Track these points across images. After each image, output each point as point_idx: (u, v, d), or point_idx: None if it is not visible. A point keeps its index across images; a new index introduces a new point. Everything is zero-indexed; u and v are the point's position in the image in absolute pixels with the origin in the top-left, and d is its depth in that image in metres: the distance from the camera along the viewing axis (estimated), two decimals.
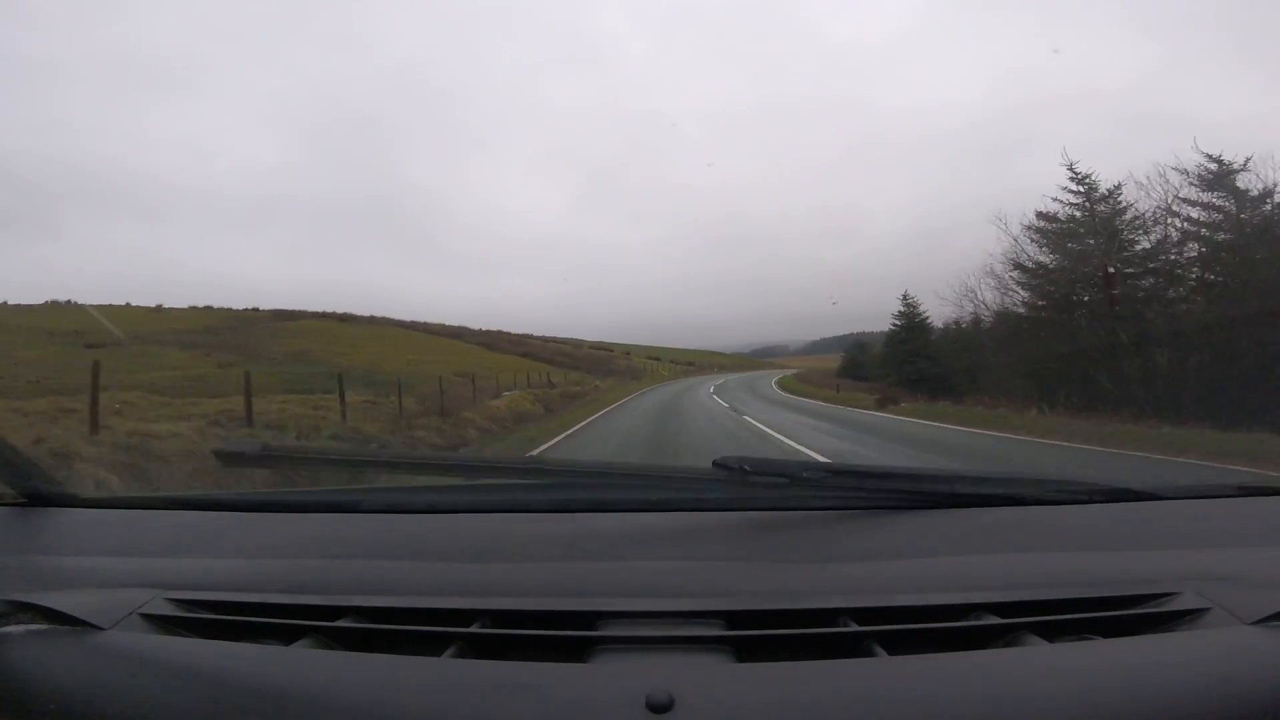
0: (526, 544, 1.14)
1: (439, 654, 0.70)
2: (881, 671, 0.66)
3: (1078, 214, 17.95)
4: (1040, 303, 18.32)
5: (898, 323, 27.43)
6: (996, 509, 1.32)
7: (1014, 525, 1.22)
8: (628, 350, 57.29)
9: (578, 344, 54.80)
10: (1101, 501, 1.37)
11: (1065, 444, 10.21)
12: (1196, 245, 16.20)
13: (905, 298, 31.00)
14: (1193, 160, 16.47)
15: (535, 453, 9.90)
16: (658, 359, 52.96)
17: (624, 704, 0.58)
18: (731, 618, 0.76)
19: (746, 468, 1.20)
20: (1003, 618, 0.76)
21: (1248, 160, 16.03)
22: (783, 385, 41.20)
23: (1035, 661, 0.68)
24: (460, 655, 0.71)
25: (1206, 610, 0.76)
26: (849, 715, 0.59)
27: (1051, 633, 0.74)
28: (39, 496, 1.31)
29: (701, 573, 0.95)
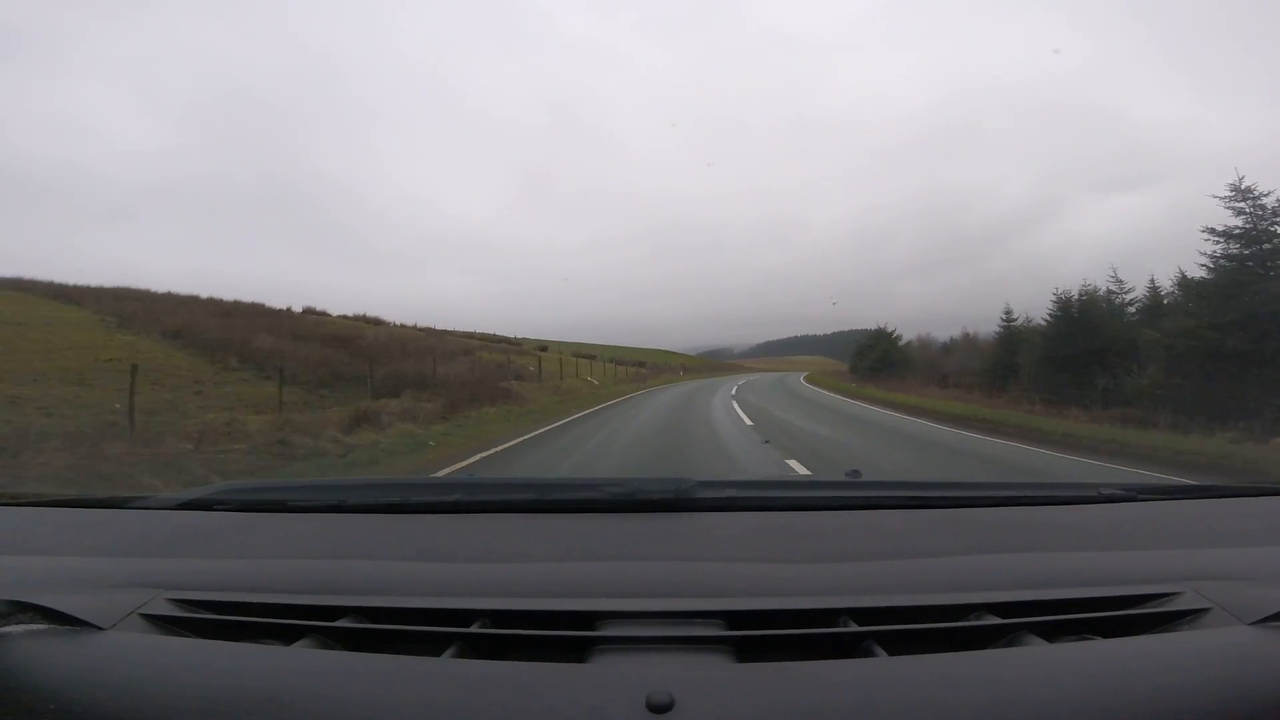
0: (526, 544, 1.14)
1: (439, 654, 0.70)
2: (881, 672, 0.66)
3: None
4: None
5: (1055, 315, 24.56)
6: (996, 509, 1.32)
7: (1013, 525, 1.22)
8: (543, 345, 41.91)
9: (510, 340, 41.10)
10: (1101, 502, 1.37)
11: None
12: None
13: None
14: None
15: None
16: (591, 356, 37.48)
17: (624, 704, 0.58)
18: (731, 618, 0.76)
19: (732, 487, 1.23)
20: (1003, 618, 0.76)
21: None
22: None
23: (1035, 661, 0.68)
24: (460, 655, 0.70)
25: (1206, 610, 0.76)
26: (849, 715, 0.59)
27: (1051, 633, 0.74)
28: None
29: (701, 573, 0.95)
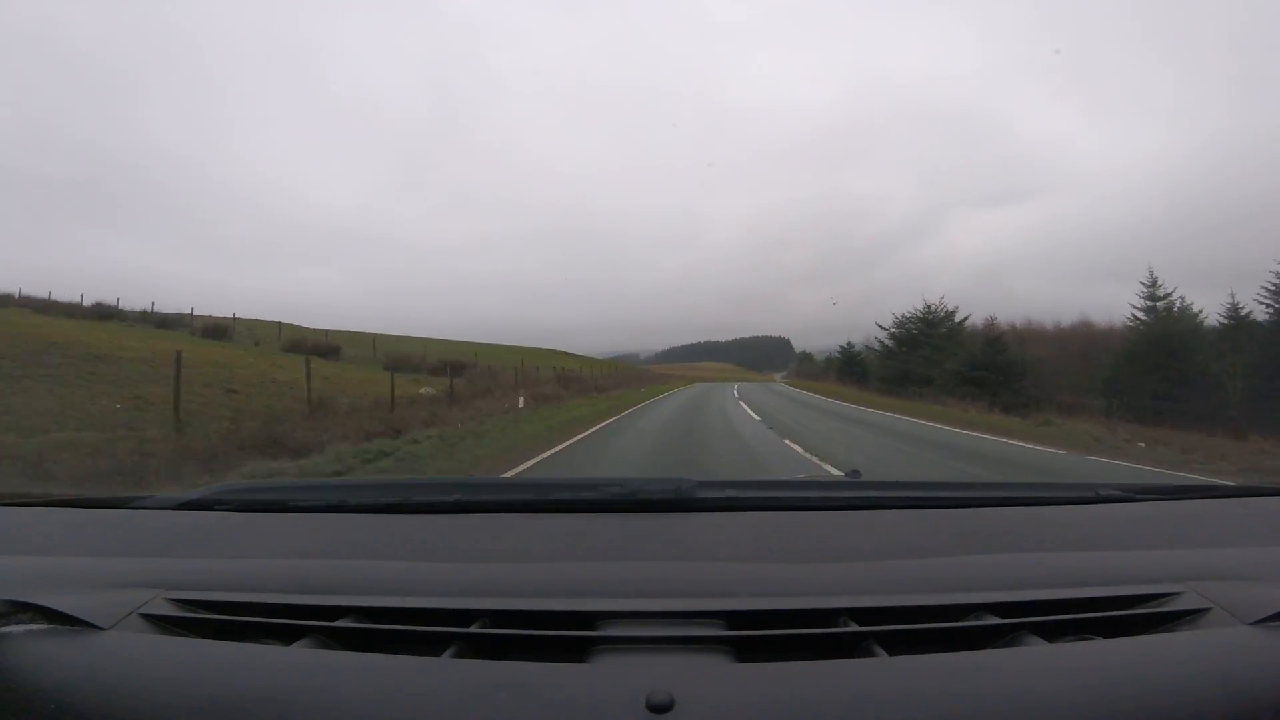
0: (526, 544, 1.14)
1: (439, 654, 0.70)
2: (881, 672, 0.66)
3: None
4: None
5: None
6: (996, 510, 1.32)
7: (1013, 526, 1.22)
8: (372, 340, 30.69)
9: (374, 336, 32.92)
10: (1101, 502, 1.37)
11: None
12: None
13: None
14: None
15: None
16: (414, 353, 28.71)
17: (624, 704, 0.58)
18: (731, 618, 0.76)
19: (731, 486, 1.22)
20: (1003, 618, 0.76)
21: None
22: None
23: (1035, 661, 0.68)
24: (460, 655, 0.70)
25: (1206, 610, 0.76)
26: (849, 715, 0.59)
27: (1052, 633, 0.74)
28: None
29: (701, 573, 0.95)
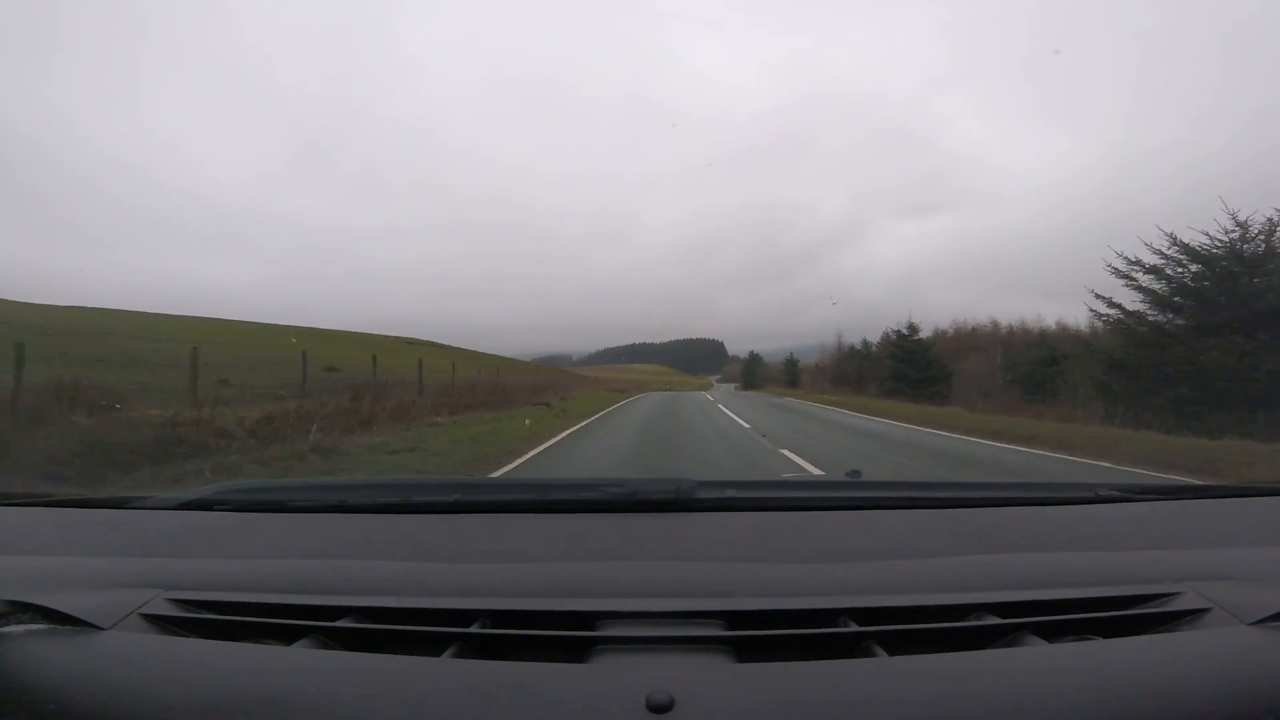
0: (526, 544, 1.14)
1: (439, 654, 0.70)
2: (881, 672, 0.66)
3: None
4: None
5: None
6: (996, 509, 1.32)
7: (1013, 526, 1.22)
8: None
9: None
10: (1101, 502, 1.37)
11: None
12: None
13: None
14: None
15: None
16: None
17: (624, 704, 0.58)
18: (731, 618, 0.76)
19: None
20: (1003, 618, 0.76)
21: None
22: None
23: (1035, 661, 0.68)
24: (460, 655, 0.70)
25: (1206, 610, 0.76)
26: (849, 716, 0.59)
27: (1052, 633, 0.74)
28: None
29: (701, 573, 0.95)
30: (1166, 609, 0.78)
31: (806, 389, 50.08)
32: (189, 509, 1.31)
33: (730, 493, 1.36)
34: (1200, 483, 1.61)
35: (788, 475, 6.46)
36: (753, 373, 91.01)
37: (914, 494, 1.44)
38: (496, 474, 7.27)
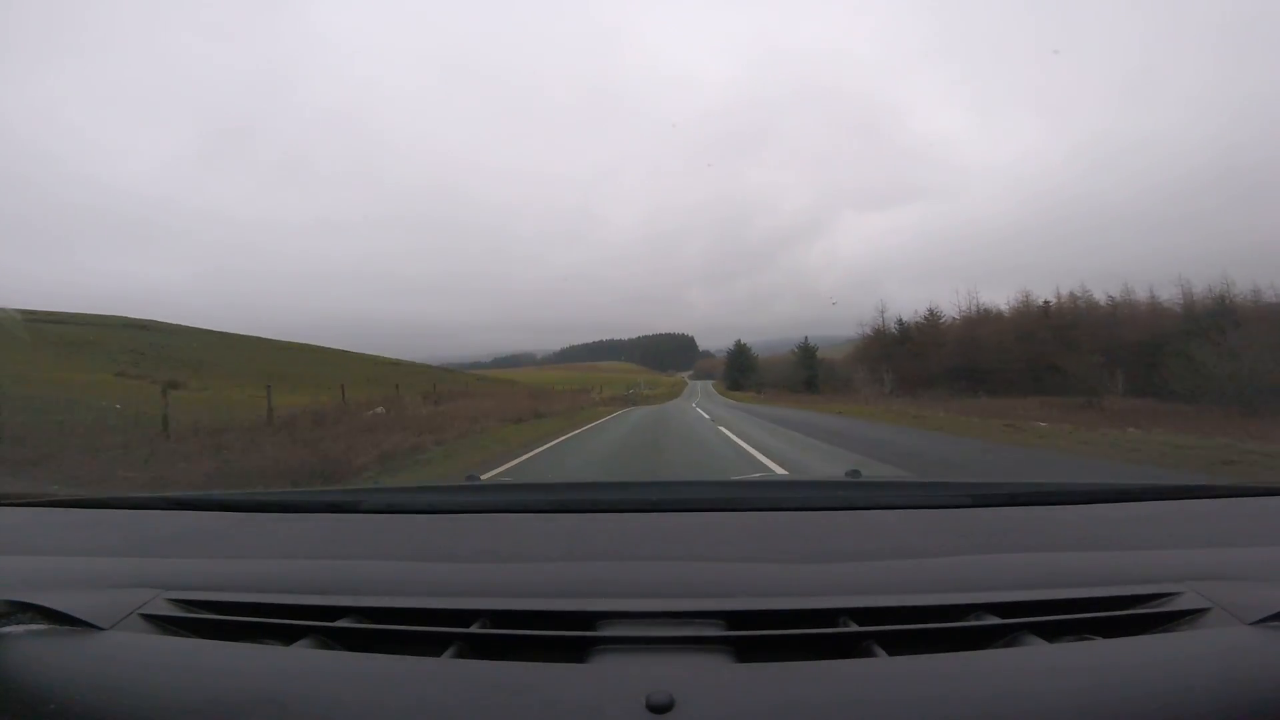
0: (526, 544, 1.14)
1: (439, 654, 0.70)
2: (881, 672, 0.66)
3: None
4: None
5: None
6: (995, 509, 1.32)
7: (1013, 525, 1.22)
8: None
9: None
10: (1101, 501, 1.37)
11: None
12: None
13: None
14: None
15: None
16: None
17: (624, 704, 0.58)
18: (731, 618, 0.76)
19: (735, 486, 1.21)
20: (1003, 618, 0.76)
21: None
22: None
23: (1035, 661, 0.68)
24: (460, 655, 0.71)
25: (1206, 610, 0.76)
26: (849, 716, 0.59)
27: (1051, 633, 0.74)
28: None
29: (701, 573, 0.95)
30: (1166, 609, 0.78)
31: (854, 398, 32.49)
32: (189, 509, 1.32)
33: (730, 493, 1.36)
34: (1200, 483, 1.61)
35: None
36: (741, 369, 74.87)
37: (914, 494, 1.44)
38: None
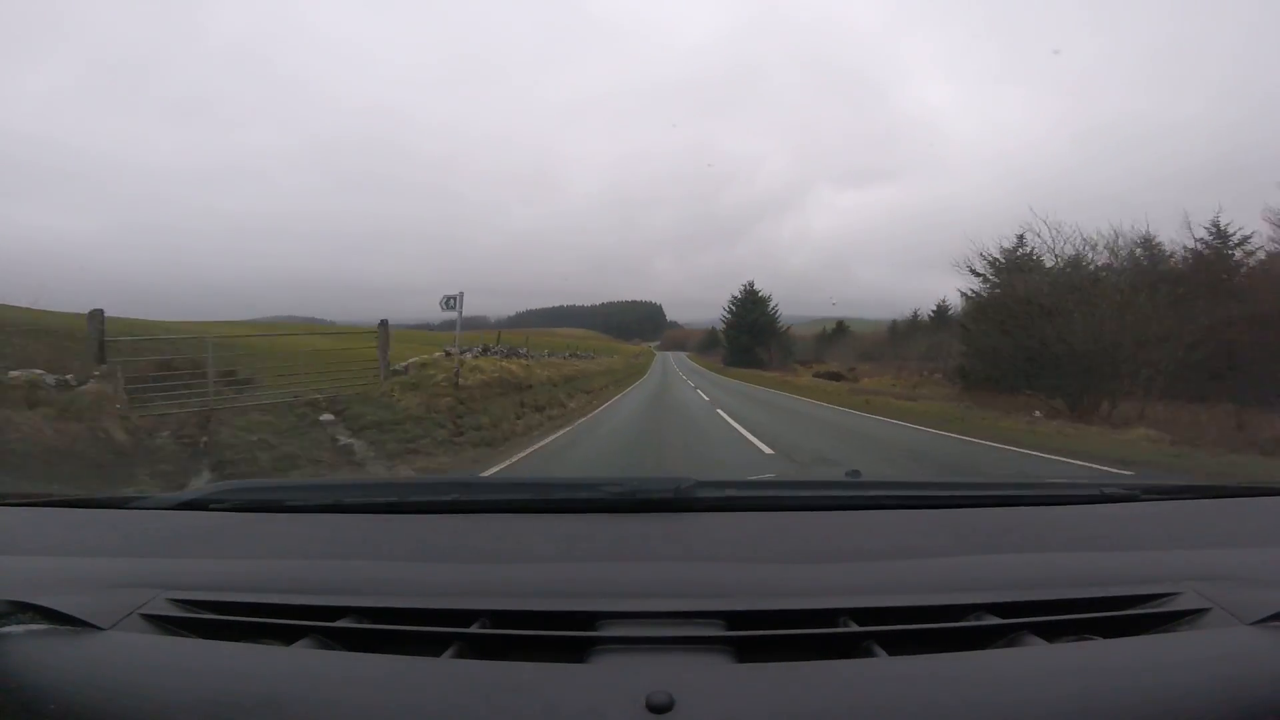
0: (526, 544, 1.14)
1: (439, 654, 0.70)
2: (881, 672, 0.66)
3: None
4: None
5: None
6: (996, 509, 1.32)
7: (1014, 526, 1.22)
8: None
9: None
10: (1101, 502, 1.37)
11: None
12: None
13: None
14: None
15: None
16: None
17: (624, 704, 0.58)
18: (731, 618, 0.76)
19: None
20: (1003, 618, 0.76)
21: None
22: None
23: (1035, 661, 0.68)
24: (460, 655, 0.71)
25: (1206, 610, 0.76)
26: (849, 716, 0.59)
27: (1051, 633, 0.74)
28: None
29: (701, 573, 0.95)
30: (1166, 609, 0.78)
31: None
32: (189, 509, 1.32)
33: (730, 492, 1.36)
34: (1200, 483, 1.61)
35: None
36: (754, 331, 49.05)
37: (914, 494, 1.44)
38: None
